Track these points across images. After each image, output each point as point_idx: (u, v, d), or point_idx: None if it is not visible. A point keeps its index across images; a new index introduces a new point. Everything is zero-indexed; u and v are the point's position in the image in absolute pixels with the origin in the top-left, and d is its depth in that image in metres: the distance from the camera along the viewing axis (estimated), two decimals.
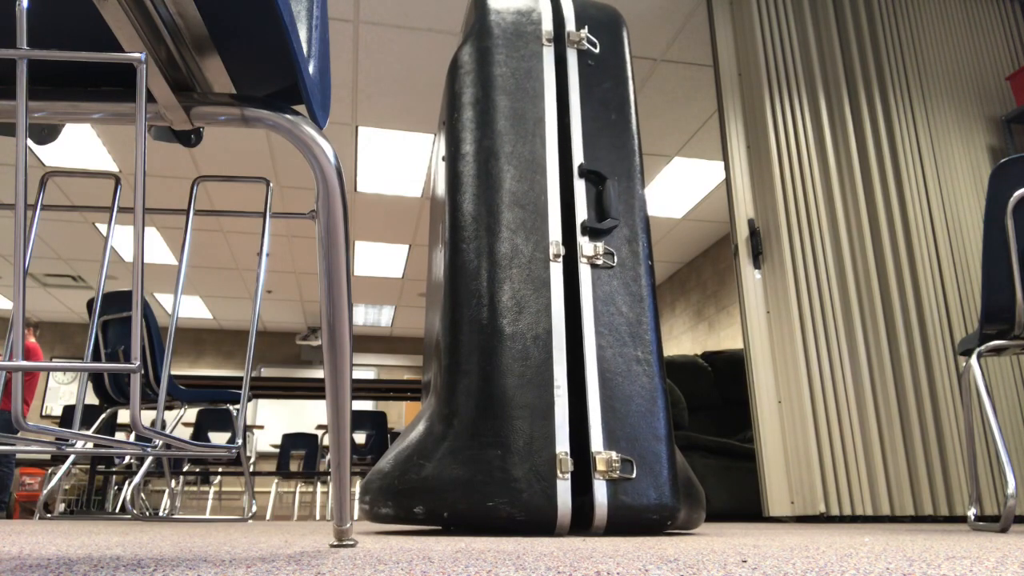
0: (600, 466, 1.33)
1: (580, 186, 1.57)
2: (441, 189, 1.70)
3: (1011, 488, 1.76)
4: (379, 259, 7.72)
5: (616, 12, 1.84)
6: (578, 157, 1.59)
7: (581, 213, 1.54)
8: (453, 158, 1.62)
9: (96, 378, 3.34)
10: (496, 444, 1.32)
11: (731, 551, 0.81)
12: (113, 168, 5.53)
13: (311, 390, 5.14)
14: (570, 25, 1.74)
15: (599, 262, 1.51)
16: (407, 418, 10.49)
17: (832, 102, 3.36)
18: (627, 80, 1.74)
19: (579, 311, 1.46)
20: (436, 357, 1.53)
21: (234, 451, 0.80)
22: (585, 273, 1.49)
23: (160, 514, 4.66)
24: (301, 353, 10.91)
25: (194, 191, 0.91)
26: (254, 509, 3.31)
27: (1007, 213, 1.81)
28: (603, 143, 1.64)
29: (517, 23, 1.72)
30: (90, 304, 3.51)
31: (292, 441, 6.17)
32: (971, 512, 1.98)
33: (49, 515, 3.78)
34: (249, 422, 8.99)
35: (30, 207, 0.78)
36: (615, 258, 1.52)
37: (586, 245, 1.51)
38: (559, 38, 1.74)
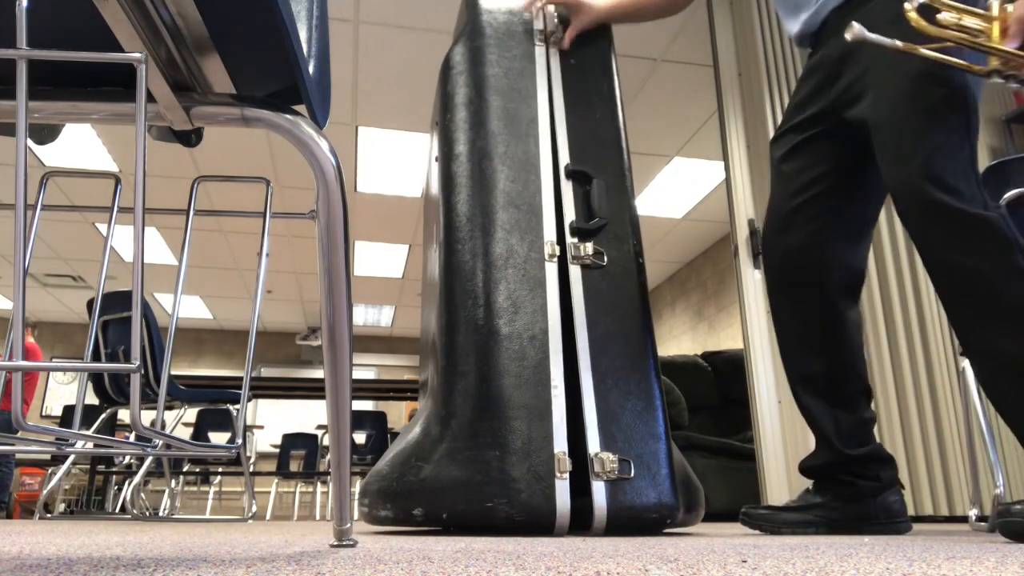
0: (597, 467, 1.33)
1: (567, 186, 1.57)
2: (435, 190, 1.70)
3: (999, 489, 1.76)
4: (379, 259, 7.72)
5: None
6: (564, 157, 1.59)
7: (569, 214, 1.54)
8: (447, 158, 1.62)
9: (96, 378, 3.34)
10: (494, 445, 1.32)
11: (731, 551, 0.81)
12: (113, 168, 5.53)
13: (311, 390, 5.14)
14: (550, 24, 1.74)
15: (588, 262, 1.51)
16: (407, 418, 10.49)
17: None
18: (612, 78, 1.74)
19: (571, 312, 1.46)
20: (432, 358, 1.53)
21: (234, 451, 0.80)
22: (576, 273, 1.49)
23: (160, 514, 4.66)
24: (301, 353, 10.91)
25: (194, 191, 0.91)
26: (254, 509, 3.31)
27: None
28: (589, 142, 1.63)
29: (509, 23, 1.72)
30: (90, 304, 3.51)
31: (292, 441, 6.17)
32: (971, 512, 1.98)
33: (49, 515, 3.78)
34: (249, 422, 8.99)
35: (30, 207, 0.79)
36: (604, 257, 1.52)
37: (575, 245, 1.51)
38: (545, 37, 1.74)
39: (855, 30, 1.27)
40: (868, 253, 1.64)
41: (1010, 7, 1.31)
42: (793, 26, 1.68)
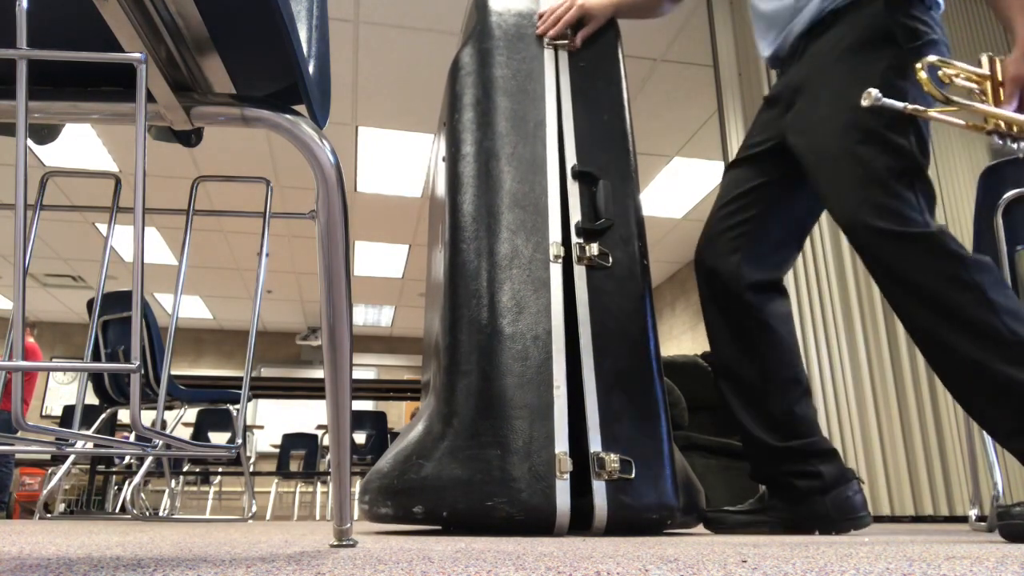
0: (599, 467, 1.33)
1: (574, 187, 1.57)
2: (441, 190, 1.70)
3: (997, 488, 1.76)
4: (379, 259, 7.72)
5: None
6: (571, 159, 1.59)
7: (575, 214, 1.54)
8: (453, 159, 1.62)
9: (96, 378, 3.34)
10: (495, 444, 1.32)
11: (731, 551, 0.81)
12: (113, 168, 5.53)
13: (311, 390, 5.14)
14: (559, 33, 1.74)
15: (593, 263, 1.51)
16: (407, 418, 10.49)
17: None
18: (620, 80, 1.74)
19: (575, 312, 1.46)
20: (435, 357, 1.53)
21: (234, 451, 0.80)
22: (580, 274, 1.49)
23: (160, 514, 4.66)
24: (301, 353, 10.91)
25: (194, 191, 0.91)
26: (254, 509, 3.31)
27: (997, 215, 1.82)
28: (596, 144, 1.64)
29: (519, 25, 1.72)
30: (90, 304, 3.51)
31: (292, 441, 6.17)
32: (972, 512, 1.98)
33: (49, 515, 3.78)
34: (249, 422, 8.99)
35: (30, 207, 0.79)
36: (610, 258, 1.52)
37: (581, 246, 1.51)
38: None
39: (872, 97, 1.29)
40: (794, 257, 1.70)
41: (999, 61, 1.33)
42: (765, 49, 1.72)
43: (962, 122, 1.31)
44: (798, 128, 1.53)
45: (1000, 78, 1.33)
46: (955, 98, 1.29)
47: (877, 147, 1.38)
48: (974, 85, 1.34)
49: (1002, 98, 1.32)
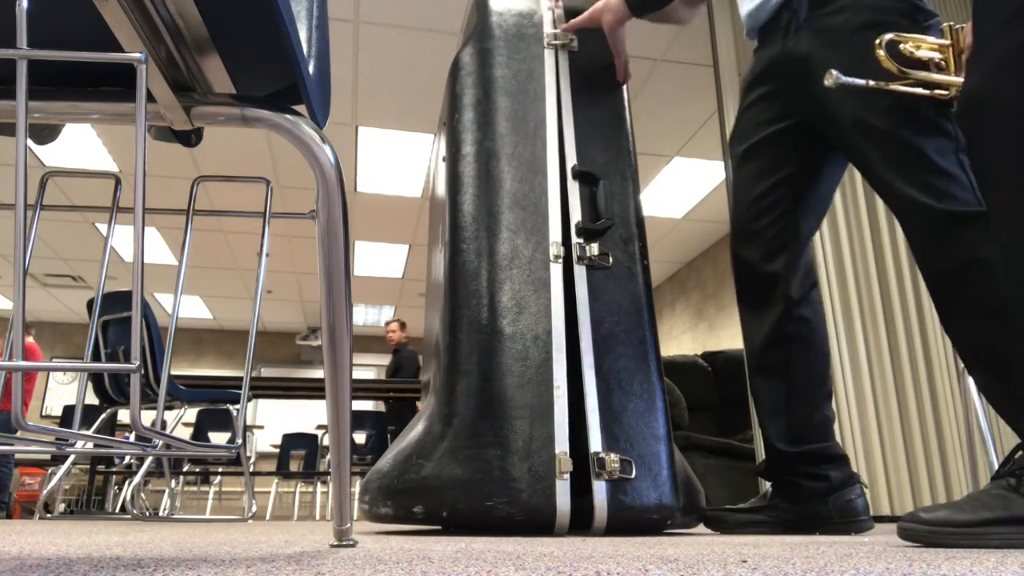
0: (599, 467, 1.33)
1: (574, 187, 1.57)
2: (441, 190, 1.70)
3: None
4: (379, 259, 7.72)
5: None
6: (571, 158, 1.59)
7: (575, 214, 1.54)
8: (454, 159, 1.62)
9: (96, 378, 3.34)
10: (495, 444, 1.32)
11: (731, 551, 0.81)
12: (113, 168, 5.53)
13: (311, 390, 5.13)
14: (554, 27, 1.74)
15: (594, 263, 1.51)
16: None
17: None
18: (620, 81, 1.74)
19: (575, 312, 1.46)
20: (435, 357, 1.53)
21: (234, 451, 0.80)
22: (581, 274, 1.49)
23: (160, 514, 4.66)
24: (301, 353, 10.91)
25: (194, 191, 0.91)
26: (254, 509, 3.31)
27: None
28: (596, 144, 1.64)
29: (519, 25, 1.72)
30: (90, 304, 3.51)
31: (292, 441, 6.16)
32: None
33: (49, 515, 3.78)
34: (249, 422, 8.99)
35: (30, 207, 0.78)
36: (610, 259, 1.52)
37: (581, 246, 1.51)
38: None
39: (834, 77, 1.32)
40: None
41: (959, 27, 1.34)
42: (743, 15, 1.71)
43: (925, 92, 1.32)
44: (820, 105, 1.48)
45: (961, 46, 1.34)
46: (909, 71, 1.30)
47: (920, 125, 1.35)
48: (936, 55, 1.34)
49: (962, 64, 1.32)
